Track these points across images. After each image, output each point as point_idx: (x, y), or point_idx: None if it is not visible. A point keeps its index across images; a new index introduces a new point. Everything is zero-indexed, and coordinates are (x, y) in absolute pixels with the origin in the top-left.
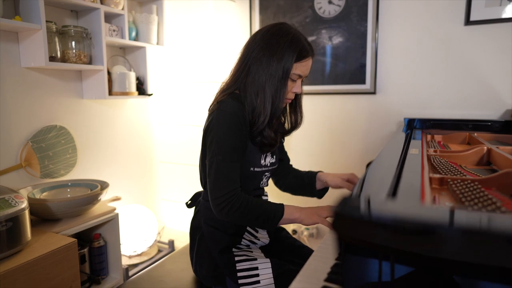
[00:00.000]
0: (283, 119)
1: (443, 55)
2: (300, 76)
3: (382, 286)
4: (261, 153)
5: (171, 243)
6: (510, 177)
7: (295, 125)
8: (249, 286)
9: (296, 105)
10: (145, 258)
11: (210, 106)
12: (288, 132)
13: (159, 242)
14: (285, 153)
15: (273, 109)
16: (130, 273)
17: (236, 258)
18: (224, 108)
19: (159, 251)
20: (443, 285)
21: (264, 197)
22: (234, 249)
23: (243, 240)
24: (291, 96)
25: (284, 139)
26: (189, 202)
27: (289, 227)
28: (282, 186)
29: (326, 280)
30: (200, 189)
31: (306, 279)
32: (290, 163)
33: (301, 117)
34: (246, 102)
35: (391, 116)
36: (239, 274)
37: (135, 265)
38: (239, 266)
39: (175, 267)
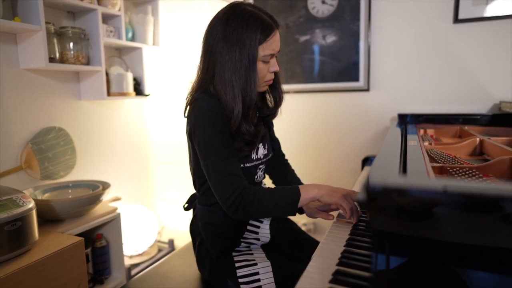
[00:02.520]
0: (260, 104)
1: (434, 52)
2: (272, 55)
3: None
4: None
5: (171, 243)
6: (504, 163)
7: (277, 104)
8: None
9: (275, 83)
10: (146, 257)
11: (185, 110)
12: (272, 112)
13: (159, 241)
14: (276, 140)
15: (247, 101)
16: (132, 272)
17: (236, 264)
18: (200, 106)
19: (159, 250)
20: (443, 277)
21: None
22: (234, 253)
23: (242, 243)
24: (270, 77)
25: (273, 124)
26: (186, 205)
27: None
28: (271, 177)
29: (339, 264)
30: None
31: (320, 259)
32: (286, 157)
33: (282, 93)
34: (220, 99)
35: (384, 112)
36: (240, 280)
37: (137, 265)
38: (239, 272)
39: (181, 263)
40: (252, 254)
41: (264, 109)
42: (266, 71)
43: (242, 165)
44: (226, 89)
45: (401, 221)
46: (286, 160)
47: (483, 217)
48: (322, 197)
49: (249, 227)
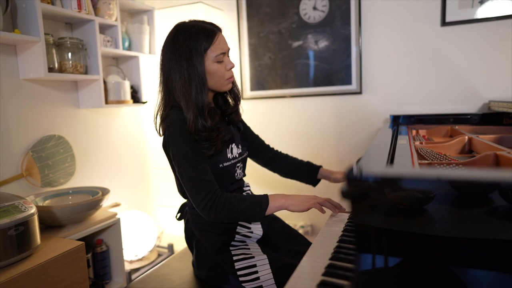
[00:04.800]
0: (225, 107)
1: (423, 55)
2: (223, 53)
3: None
4: (224, 147)
5: (170, 247)
6: (489, 158)
7: (236, 100)
8: (250, 283)
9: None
10: (146, 262)
11: (159, 128)
12: (233, 110)
13: (158, 246)
14: (256, 136)
15: (199, 105)
16: (133, 277)
17: (234, 258)
18: (171, 121)
19: (159, 255)
20: (439, 274)
21: (245, 188)
22: (231, 247)
23: (237, 235)
24: (229, 74)
25: (246, 124)
26: (178, 215)
27: None
28: (276, 170)
29: (331, 258)
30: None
31: (313, 254)
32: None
33: (238, 90)
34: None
35: (377, 114)
36: (238, 272)
37: (136, 270)
38: (237, 265)
39: (181, 266)
40: (248, 248)
41: (227, 109)
42: (223, 69)
43: (221, 165)
44: (181, 100)
45: (386, 210)
46: (277, 151)
47: (472, 208)
48: (290, 206)
49: (240, 222)
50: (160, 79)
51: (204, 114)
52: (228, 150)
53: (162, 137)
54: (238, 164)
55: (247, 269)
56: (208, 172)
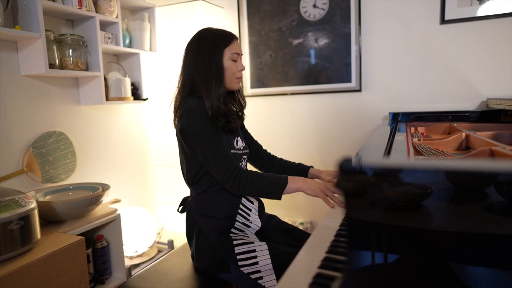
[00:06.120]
0: (232, 105)
1: (423, 53)
2: (238, 54)
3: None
4: (231, 136)
5: (170, 243)
6: (484, 154)
7: (242, 105)
8: (249, 267)
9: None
10: (146, 258)
11: (176, 114)
12: (242, 112)
13: (158, 243)
14: (255, 141)
15: (217, 92)
16: (133, 273)
17: (234, 242)
18: (190, 107)
19: (159, 251)
20: (436, 271)
21: None
22: (231, 234)
23: (236, 223)
24: (239, 74)
25: (244, 125)
26: (180, 208)
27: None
28: (270, 171)
29: (328, 252)
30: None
31: (311, 247)
32: (273, 154)
33: (244, 100)
34: (202, 96)
35: (376, 111)
36: (238, 257)
37: (137, 266)
38: (237, 249)
39: (180, 261)
40: (248, 236)
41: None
42: (235, 68)
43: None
44: (202, 88)
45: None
46: (272, 155)
47: (471, 201)
48: (306, 189)
49: (239, 211)
50: (181, 74)
51: (220, 100)
52: (235, 141)
53: (178, 124)
54: (243, 156)
55: (246, 253)
56: (228, 149)
